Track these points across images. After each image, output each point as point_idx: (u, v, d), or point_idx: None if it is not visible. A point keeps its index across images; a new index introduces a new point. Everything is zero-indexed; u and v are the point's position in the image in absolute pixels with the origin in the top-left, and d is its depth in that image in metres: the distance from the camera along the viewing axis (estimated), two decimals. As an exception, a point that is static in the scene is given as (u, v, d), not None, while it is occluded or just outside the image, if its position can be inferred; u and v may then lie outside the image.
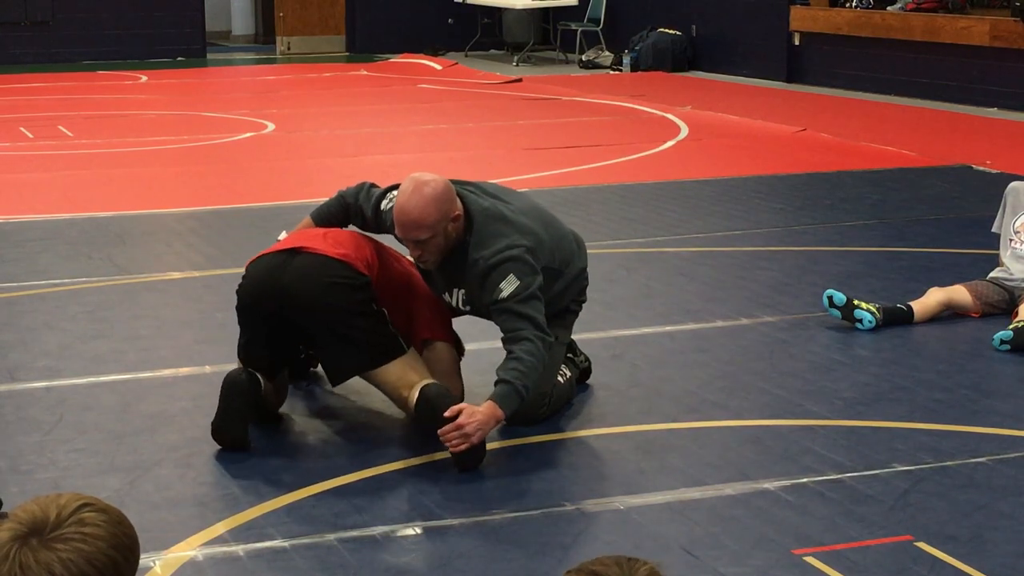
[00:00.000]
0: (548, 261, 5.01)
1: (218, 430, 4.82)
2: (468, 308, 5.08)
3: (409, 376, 4.87)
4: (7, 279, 7.23)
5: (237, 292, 5.03)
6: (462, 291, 5.04)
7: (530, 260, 4.89)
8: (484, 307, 4.95)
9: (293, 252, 4.95)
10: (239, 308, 5.02)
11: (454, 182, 5.00)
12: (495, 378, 4.72)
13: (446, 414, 4.59)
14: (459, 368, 5.22)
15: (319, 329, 4.89)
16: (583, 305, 5.38)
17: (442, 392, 4.77)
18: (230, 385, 4.82)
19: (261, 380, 4.90)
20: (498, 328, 4.89)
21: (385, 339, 4.88)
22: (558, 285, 5.10)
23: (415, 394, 4.79)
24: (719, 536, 4.14)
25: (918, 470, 4.62)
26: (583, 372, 5.49)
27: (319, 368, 5.62)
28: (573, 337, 5.44)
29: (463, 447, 4.57)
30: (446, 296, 5.12)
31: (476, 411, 4.59)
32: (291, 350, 5.15)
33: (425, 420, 4.74)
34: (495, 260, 4.85)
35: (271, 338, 4.96)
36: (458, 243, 4.93)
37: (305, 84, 16.98)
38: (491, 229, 4.91)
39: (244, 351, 5.02)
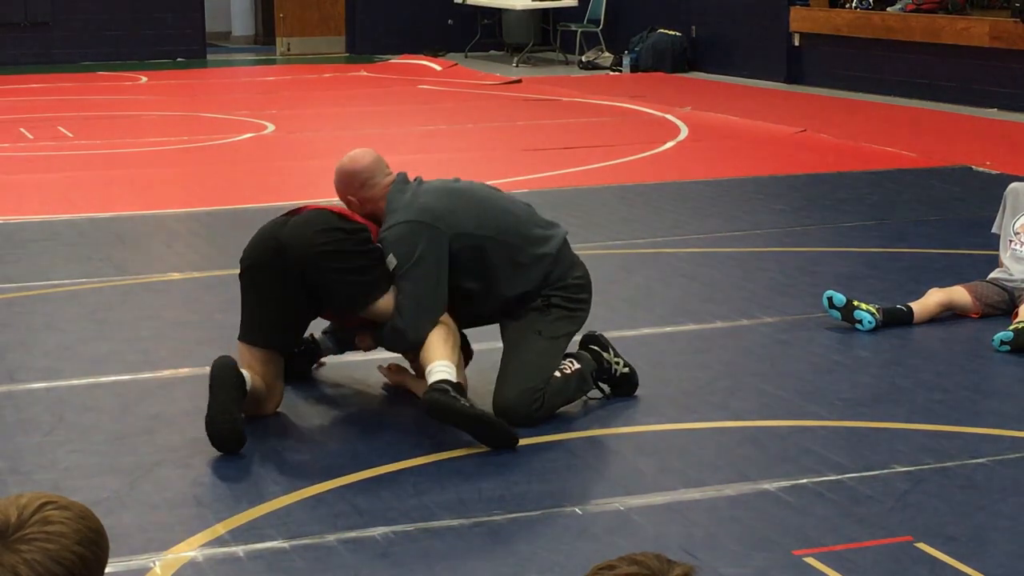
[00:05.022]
0: (465, 227, 5.09)
1: (212, 422, 4.74)
2: None
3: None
4: (7, 279, 7.23)
5: (241, 260, 5.13)
6: None
7: (406, 233, 5.04)
8: None
9: (291, 213, 5.16)
10: (243, 273, 5.10)
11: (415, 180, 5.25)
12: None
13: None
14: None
15: (323, 273, 4.96)
16: (582, 306, 5.31)
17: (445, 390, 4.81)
18: (215, 377, 4.82)
19: (246, 376, 4.93)
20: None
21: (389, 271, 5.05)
22: (499, 254, 5.13)
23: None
24: (719, 536, 4.14)
25: (918, 471, 4.62)
26: (621, 379, 5.32)
27: (318, 368, 5.64)
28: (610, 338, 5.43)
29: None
30: None
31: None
32: (300, 317, 5.13)
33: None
34: (379, 236, 5.10)
35: (278, 303, 5.00)
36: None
37: (305, 85, 16.98)
38: (388, 212, 5.14)
39: (253, 325, 5.05)
